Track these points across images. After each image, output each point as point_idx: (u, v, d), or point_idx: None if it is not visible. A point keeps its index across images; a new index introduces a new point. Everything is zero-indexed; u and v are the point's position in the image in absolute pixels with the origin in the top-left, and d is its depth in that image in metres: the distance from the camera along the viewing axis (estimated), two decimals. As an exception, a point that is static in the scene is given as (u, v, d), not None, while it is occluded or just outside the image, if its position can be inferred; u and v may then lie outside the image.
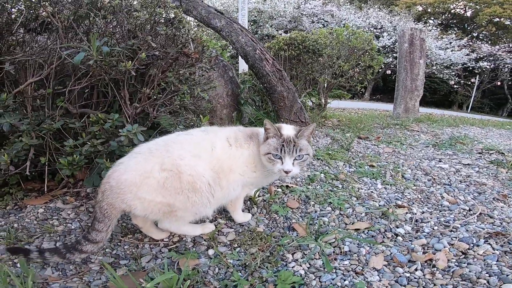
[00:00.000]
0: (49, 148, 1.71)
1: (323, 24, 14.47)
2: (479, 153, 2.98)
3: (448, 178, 2.25)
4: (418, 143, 3.41)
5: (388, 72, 15.70)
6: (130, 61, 1.51)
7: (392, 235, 1.49)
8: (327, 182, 2.09)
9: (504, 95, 18.51)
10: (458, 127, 4.82)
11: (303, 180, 2.10)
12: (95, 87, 2.00)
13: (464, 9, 20.10)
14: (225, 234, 1.49)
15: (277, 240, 1.44)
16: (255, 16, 14.81)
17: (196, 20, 3.47)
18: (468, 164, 2.59)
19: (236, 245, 1.40)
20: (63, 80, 1.94)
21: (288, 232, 1.52)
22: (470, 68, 16.24)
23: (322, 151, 2.73)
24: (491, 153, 2.95)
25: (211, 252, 1.36)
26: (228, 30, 3.17)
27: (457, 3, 19.53)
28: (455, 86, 17.02)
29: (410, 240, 1.45)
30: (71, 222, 1.57)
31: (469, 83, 16.87)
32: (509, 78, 17.21)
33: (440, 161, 2.67)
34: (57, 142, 1.74)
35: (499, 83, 17.85)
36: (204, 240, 1.44)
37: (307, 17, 15.03)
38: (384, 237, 1.47)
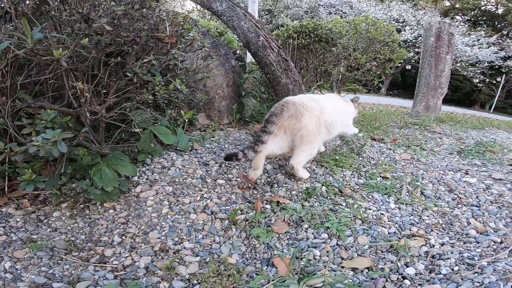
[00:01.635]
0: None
1: (341, 16, 13.81)
2: (511, 164, 2.56)
3: (477, 197, 1.88)
4: (441, 148, 3.00)
5: (408, 67, 14.89)
6: (62, 49, 1.15)
7: (397, 278, 1.16)
8: (329, 197, 1.74)
9: (529, 96, 17.39)
10: (484, 130, 4.35)
11: (299, 194, 1.76)
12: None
13: (495, 6, 18.91)
14: (186, 264, 1.20)
15: (249, 279, 1.13)
16: (270, 5, 14.26)
17: (196, 4, 3.14)
18: (499, 179, 2.19)
19: (195, 281, 1.11)
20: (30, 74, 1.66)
21: (266, 267, 1.21)
22: (497, 67, 15.25)
23: (327, 155, 2.37)
24: (524, 165, 2.53)
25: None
26: (230, 15, 2.83)
27: (488, 0, 18.38)
28: (479, 84, 15.99)
29: (419, 285, 1.12)
30: (15, 232, 1.33)
31: (494, 82, 15.82)
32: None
33: (466, 174, 2.29)
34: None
35: (526, 83, 16.76)
36: (159, 269, 1.15)
37: (324, 7, 14.37)
38: (387, 281, 1.14)
